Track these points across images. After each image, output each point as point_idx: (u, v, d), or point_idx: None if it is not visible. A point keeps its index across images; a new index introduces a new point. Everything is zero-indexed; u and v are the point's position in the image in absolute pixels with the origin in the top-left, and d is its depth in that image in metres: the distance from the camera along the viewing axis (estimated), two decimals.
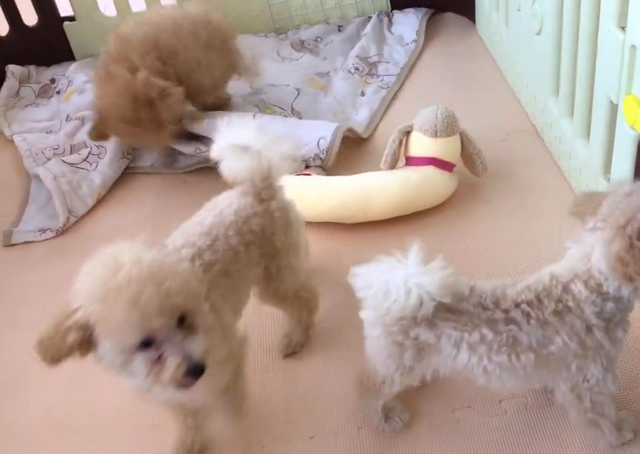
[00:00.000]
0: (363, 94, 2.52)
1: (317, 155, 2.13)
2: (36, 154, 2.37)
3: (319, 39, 2.85)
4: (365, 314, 1.30)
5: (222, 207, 1.42)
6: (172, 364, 1.08)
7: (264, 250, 1.43)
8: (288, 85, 2.58)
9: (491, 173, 2.02)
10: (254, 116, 2.29)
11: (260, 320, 1.73)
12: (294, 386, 1.57)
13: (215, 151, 1.42)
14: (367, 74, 2.64)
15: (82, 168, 2.31)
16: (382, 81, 2.60)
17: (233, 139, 1.41)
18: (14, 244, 2.12)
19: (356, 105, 2.47)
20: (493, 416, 1.44)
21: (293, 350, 1.64)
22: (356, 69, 2.64)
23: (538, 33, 2.02)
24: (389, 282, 1.15)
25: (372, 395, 1.37)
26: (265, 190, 1.44)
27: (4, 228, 2.17)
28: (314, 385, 1.57)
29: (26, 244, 2.12)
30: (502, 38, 2.43)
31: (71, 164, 2.32)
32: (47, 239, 2.12)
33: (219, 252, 1.33)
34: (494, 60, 2.56)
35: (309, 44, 2.82)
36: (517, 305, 1.19)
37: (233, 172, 1.42)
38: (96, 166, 2.32)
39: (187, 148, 2.27)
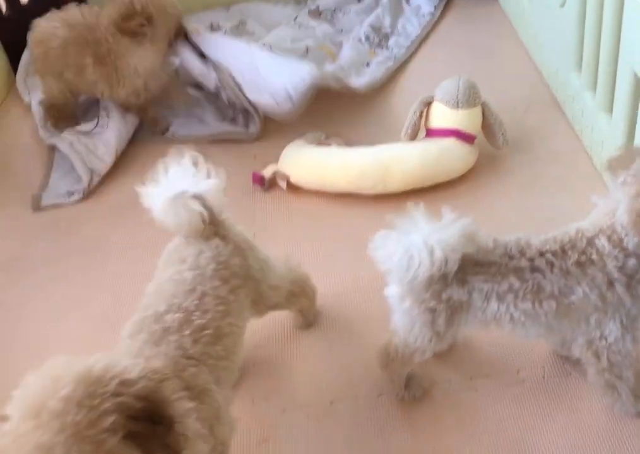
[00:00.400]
0: (368, 65, 2.52)
1: (290, 96, 2.14)
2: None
3: (337, 10, 2.83)
4: (390, 290, 1.32)
5: (194, 258, 1.28)
6: None
7: (248, 287, 1.34)
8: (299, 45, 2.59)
9: (512, 146, 2.01)
10: (248, 43, 2.37)
11: None
12: (314, 354, 1.60)
13: (155, 210, 1.28)
14: (376, 45, 2.62)
15: (95, 133, 2.33)
16: (390, 52, 2.58)
17: (168, 190, 1.27)
18: (43, 209, 2.15)
19: (360, 74, 2.46)
20: (511, 385, 1.46)
21: (309, 324, 1.65)
22: (367, 38, 2.62)
23: (562, 5, 2.00)
24: (410, 248, 1.17)
25: (399, 365, 1.39)
26: (220, 227, 1.34)
27: (32, 193, 2.20)
28: (334, 353, 1.59)
29: (54, 210, 2.14)
30: (525, 10, 2.41)
31: (85, 132, 2.34)
32: (74, 203, 2.15)
33: (210, 311, 1.21)
34: (516, 32, 2.54)
35: (327, 14, 2.79)
36: (541, 254, 1.22)
37: (181, 225, 1.29)
38: (107, 127, 2.33)
39: (209, 80, 2.30)
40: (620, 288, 1.20)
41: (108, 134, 2.30)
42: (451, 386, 1.47)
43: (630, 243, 1.19)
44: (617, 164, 1.21)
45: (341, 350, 1.59)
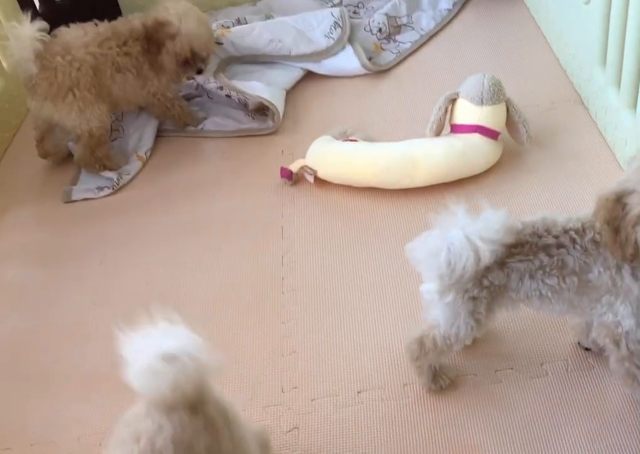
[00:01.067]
0: (370, 59, 2.55)
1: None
2: None
3: (360, 4, 2.86)
4: (427, 287, 1.35)
5: (150, 436, 1.01)
6: None
7: None
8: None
9: (536, 142, 2.04)
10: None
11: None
12: (341, 344, 1.64)
13: (134, 376, 1.02)
14: (385, 38, 2.65)
15: (113, 139, 2.42)
16: (396, 47, 2.62)
17: (151, 352, 1.02)
18: (73, 201, 2.22)
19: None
20: (535, 378, 1.49)
21: None
22: (379, 30, 2.64)
23: (587, 2, 2.01)
24: (454, 245, 1.21)
25: (434, 356, 1.42)
26: (195, 394, 1.07)
27: (63, 187, 2.27)
28: (360, 343, 1.63)
29: (84, 202, 2.22)
30: (548, 7, 2.42)
31: None
32: (104, 196, 2.22)
33: None
34: (539, 29, 2.55)
35: (350, 9, 2.80)
36: (566, 231, 1.28)
37: (160, 390, 1.02)
38: (123, 132, 2.43)
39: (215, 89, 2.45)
40: (626, 275, 1.25)
41: (130, 138, 2.41)
42: (476, 378, 1.51)
43: None
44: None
45: (367, 340, 1.63)
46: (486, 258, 1.21)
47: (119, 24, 2.27)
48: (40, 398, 1.66)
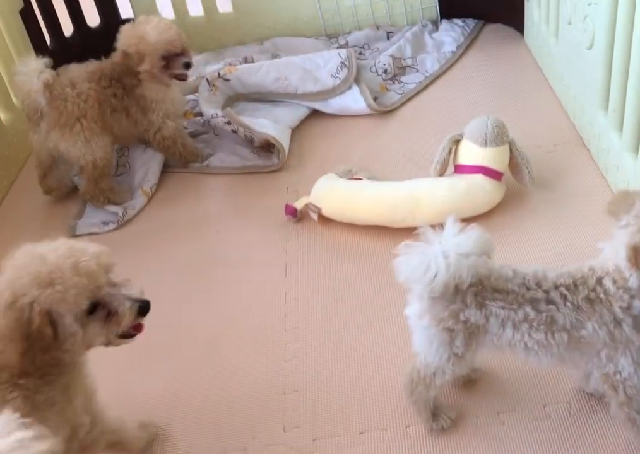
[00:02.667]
0: (375, 99, 2.59)
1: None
2: None
3: (366, 46, 2.91)
4: (410, 309, 1.36)
5: None
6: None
7: None
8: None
9: (538, 183, 2.06)
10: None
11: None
12: (343, 384, 1.63)
13: None
14: (390, 79, 2.70)
15: (119, 174, 2.45)
16: (401, 88, 2.66)
17: None
18: (78, 236, 2.23)
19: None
20: (537, 420, 1.48)
21: None
22: (385, 71, 2.70)
23: (589, 48, 2.04)
24: (428, 256, 1.23)
25: (423, 389, 1.42)
26: None
27: (68, 221, 2.29)
28: (362, 383, 1.62)
29: (89, 236, 2.22)
30: (551, 50, 2.46)
31: None
32: (109, 231, 2.24)
33: None
34: (541, 71, 2.59)
35: (356, 50, 2.86)
36: (556, 287, 1.27)
37: None
38: (129, 167, 2.46)
39: (220, 124, 2.47)
40: (627, 328, 1.24)
41: (135, 173, 2.43)
42: (479, 419, 1.50)
43: (634, 283, 1.22)
44: (617, 208, 1.25)
45: (370, 380, 1.63)
46: (456, 272, 1.22)
47: (103, 63, 2.30)
48: None
